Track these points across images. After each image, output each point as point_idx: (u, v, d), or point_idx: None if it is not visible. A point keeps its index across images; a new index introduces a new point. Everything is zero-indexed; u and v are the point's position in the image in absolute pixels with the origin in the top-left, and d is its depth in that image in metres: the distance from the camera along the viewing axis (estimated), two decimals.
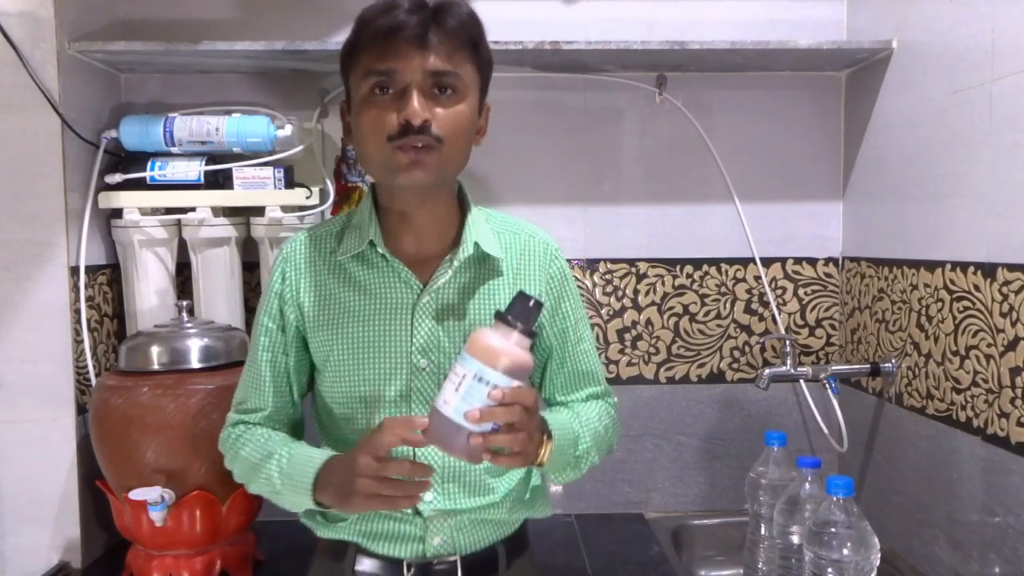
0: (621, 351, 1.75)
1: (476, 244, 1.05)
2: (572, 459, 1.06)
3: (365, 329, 1.05)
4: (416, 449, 1.03)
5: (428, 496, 1.04)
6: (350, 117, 1.04)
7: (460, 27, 0.98)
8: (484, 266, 1.07)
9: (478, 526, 1.08)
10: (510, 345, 0.89)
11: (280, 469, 1.02)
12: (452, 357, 1.03)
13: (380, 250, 1.04)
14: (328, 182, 1.65)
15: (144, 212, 1.53)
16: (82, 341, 1.45)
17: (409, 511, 1.04)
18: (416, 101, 0.95)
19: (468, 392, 0.87)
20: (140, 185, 1.53)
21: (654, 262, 1.74)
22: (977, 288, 1.27)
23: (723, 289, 1.75)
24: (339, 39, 1.65)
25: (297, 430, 1.15)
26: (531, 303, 0.90)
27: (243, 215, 1.61)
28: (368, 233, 1.04)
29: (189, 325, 1.41)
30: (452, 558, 1.06)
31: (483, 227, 1.08)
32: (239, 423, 1.12)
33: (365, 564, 1.07)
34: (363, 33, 0.98)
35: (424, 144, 0.96)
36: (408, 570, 1.05)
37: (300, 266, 1.08)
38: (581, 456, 1.07)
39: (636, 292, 1.74)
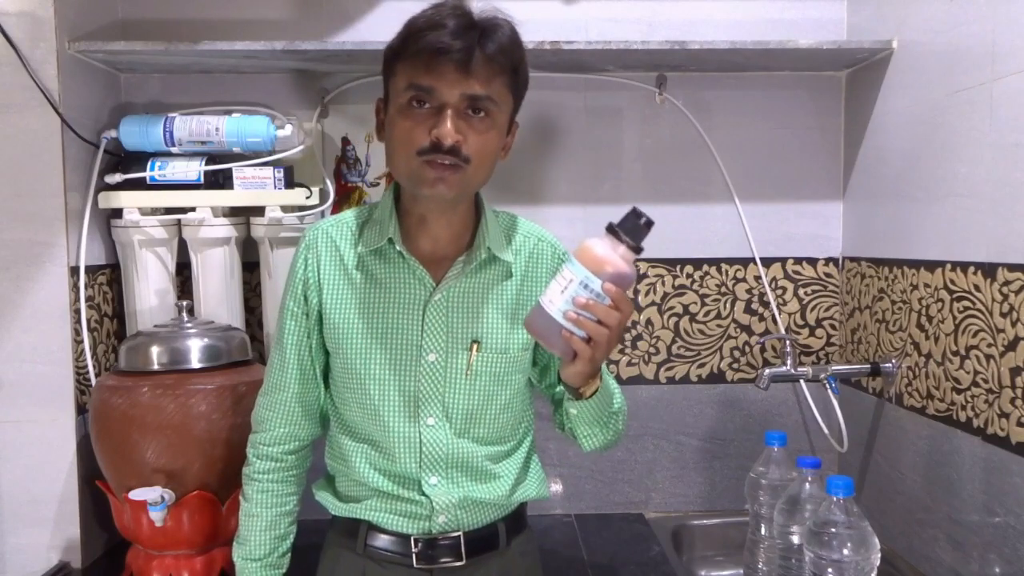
0: (621, 351, 1.75)
1: (488, 248, 1.11)
2: (607, 415, 1.12)
3: (379, 321, 1.11)
4: (423, 435, 1.11)
5: (433, 480, 1.11)
6: (384, 117, 1.09)
7: (501, 53, 1.02)
8: (495, 267, 1.13)
9: (480, 506, 1.14)
10: (616, 257, 0.94)
11: (241, 556, 1.18)
12: (460, 353, 1.11)
13: (398, 247, 1.10)
14: (328, 182, 1.65)
15: (144, 212, 1.53)
16: (82, 341, 1.45)
17: (416, 494, 1.12)
18: (450, 122, 1.00)
19: (572, 295, 0.94)
20: (140, 185, 1.53)
21: (654, 262, 1.74)
22: (977, 288, 1.27)
23: (723, 289, 1.75)
24: (339, 39, 1.66)
25: (320, 419, 1.21)
26: (642, 221, 0.95)
27: (243, 215, 1.61)
28: (388, 231, 1.10)
29: (189, 325, 1.41)
30: (455, 534, 1.13)
31: (495, 231, 1.14)
32: (263, 457, 1.17)
33: (376, 539, 1.14)
34: (409, 44, 1.01)
35: (451, 163, 1.01)
36: (415, 545, 1.12)
37: (321, 254, 1.13)
38: (616, 413, 1.14)
39: (636, 292, 1.74)
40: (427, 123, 1.01)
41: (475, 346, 1.11)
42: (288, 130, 1.55)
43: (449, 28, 0.99)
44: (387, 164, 1.08)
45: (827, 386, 1.60)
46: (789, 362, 1.58)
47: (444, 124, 1.00)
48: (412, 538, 1.12)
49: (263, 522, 1.17)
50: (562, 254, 1.18)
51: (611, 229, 0.95)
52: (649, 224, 0.95)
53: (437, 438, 1.11)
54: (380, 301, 1.11)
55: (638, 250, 0.95)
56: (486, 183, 1.10)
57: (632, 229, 0.95)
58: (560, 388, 1.13)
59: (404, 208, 1.12)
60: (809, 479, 1.28)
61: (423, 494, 1.11)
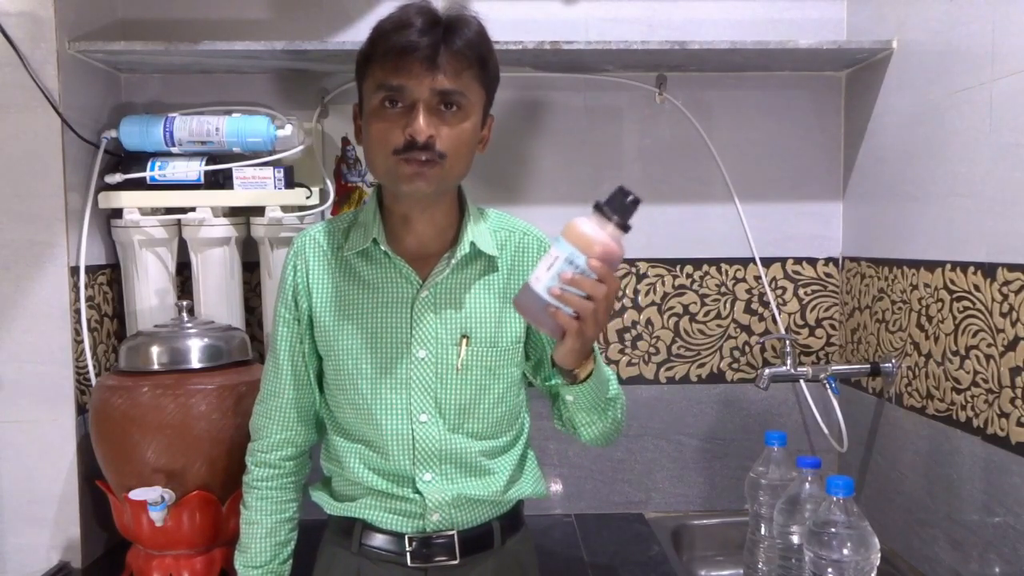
0: (621, 351, 1.75)
1: (472, 243, 1.12)
2: (604, 400, 1.11)
3: (368, 321, 1.12)
4: (416, 432, 1.11)
5: (427, 477, 1.11)
6: (361, 121, 1.10)
7: (468, 47, 1.04)
8: (480, 262, 1.14)
9: (475, 504, 1.14)
10: (603, 235, 0.94)
11: (242, 564, 1.18)
12: (449, 348, 1.11)
13: (383, 248, 1.11)
14: (328, 182, 1.65)
15: (144, 212, 1.53)
16: (82, 341, 1.45)
17: (410, 491, 1.11)
18: (422, 119, 1.02)
19: (558, 272, 0.94)
20: (140, 185, 1.53)
21: (654, 262, 1.74)
22: (977, 288, 1.27)
23: (723, 289, 1.75)
24: (339, 39, 1.66)
25: (316, 425, 1.21)
26: (629, 199, 0.94)
27: (243, 215, 1.61)
28: (372, 232, 1.11)
29: (189, 325, 1.41)
30: (450, 532, 1.13)
31: (480, 226, 1.15)
32: (262, 464, 1.18)
33: (371, 539, 1.14)
34: (377, 46, 1.04)
35: (427, 159, 1.03)
36: (410, 544, 1.12)
37: (309, 260, 1.15)
38: (612, 399, 1.13)
39: (636, 292, 1.74)
40: (401, 122, 1.03)
41: (464, 340, 1.11)
42: (288, 130, 1.55)
43: (415, 26, 1.01)
44: (367, 166, 1.09)
45: (827, 386, 1.60)
46: (789, 362, 1.58)
47: (416, 121, 1.01)
48: (407, 537, 1.12)
49: (263, 529, 1.17)
50: (548, 247, 1.17)
51: (598, 208, 0.95)
52: (636, 202, 0.95)
53: (430, 434, 1.11)
54: (368, 301, 1.12)
55: (625, 228, 0.95)
56: (464, 177, 1.11)
57: (619, 207, 0.94)
58: (556, 380, 1.14)
59: (387, 208, 1.13)
60: (809, 479, 1.28)
61: (417, 491, 1.11)
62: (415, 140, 1.01)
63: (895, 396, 1.52)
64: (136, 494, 1.27)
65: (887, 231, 1.56)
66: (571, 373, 1.05)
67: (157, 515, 1.27)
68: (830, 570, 1.14)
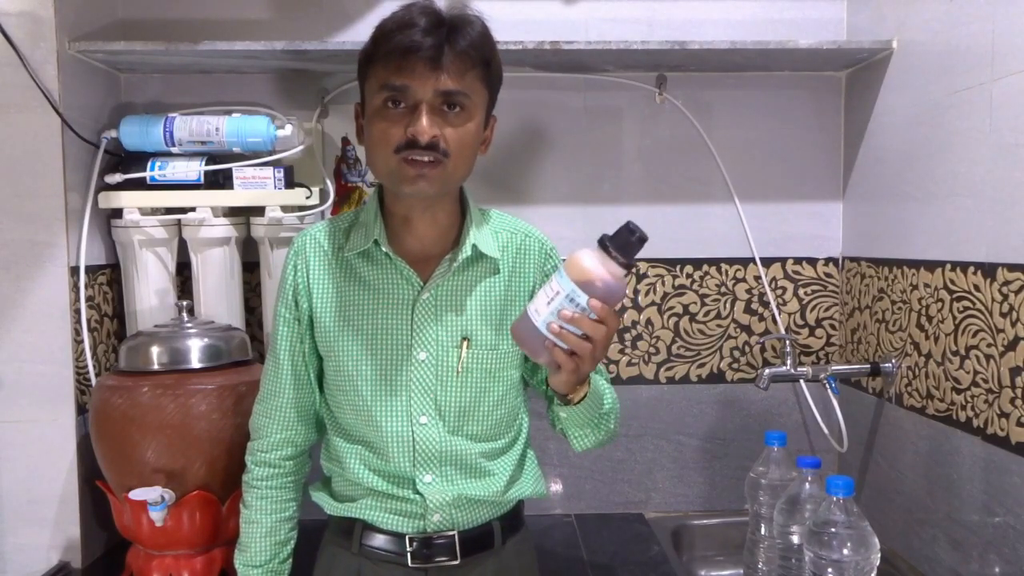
0: (621, 351, 1.75)
1: (474, 246, 1.11)
2: (597, 416, 1.12)
3: (368, 322, 1.11)
4: (416, 434, 1.11)
5: (427, 478, 1.11)
6: (363, 121, 1.10)
7: (472, 48, 1.03)
8: (481, 264, 1.14)
9: (475, 505, 1.14)
10: (605, 273, 0.92)
11: (242, 563, 1.18)
12: (450, 351, 1.11)
13: (384, 249, 1.11)
14: (328, 182, 1.65)
15: (144, 212, 1.53)
16: (82, 341, 1.45)
17: (410, 492, 1.11)
18: (425, 119, 1.01)
19: (558, 308, 0.93)
20: (140, 185, 1.53)
21: (654, 262, 1.74)
22: (977, 288, 1.27)
23: (723, 289, 1.75)
24: (339, 39, 1.66)
25: (316, 424, 1.21)
26: (635, 237, 0.93)
27: (243, 215, 1.61)
28: (373, 232, 1.11)
29: (189, 325, 1.41)
30: (450, 533, 1.13)
31: (482, 228, 1.14)
32: (261, 464, 1.18)
33: (372, 539, 1.14)
34: (380, 46, 1.03)
35: (430, 159, 1.02)
36: (410, 544, 1.12)
37: (310, 259, 1.15)
38: (606, 414, 1.14)
39: (636, 292, 1.74)
40: (403, 121, 1.02)
41: (465, 343, 1.11)
42: (288, 130, 1.55)
43: (419, 27, 1.00)
44: (368, 166, 1.08)
45: (827, 386, 1.60)
46: (789, 362, 1.58)
47: (419, 121, 1.01)
48: (407, 537, 1.12)
49: (263, 528, 1.17)
50: (550, 250, 1.18)
51: (602, 243, 0.94)
52: (642, 240, 0.93)
53: (430, 436, 1.11)
54: (369, 303, 1.12)
55: (629, 266, 0.94)
56: (466, 178, 1.11)
57: (624, 245, 0.93)
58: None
59: (388, 209, 1.13)
60: (809, 479, 1.29)
61: (417, 492, 1.11)
62: (417, 140, 1.01)
63: (895, 396, 1.52)
64: (136, 494, 1.27)
65: (887, 231, 1.56)
66: (565, 396, 1.06)
67: (157, 515, 1.27)
68: (830, 570, 1.14)
